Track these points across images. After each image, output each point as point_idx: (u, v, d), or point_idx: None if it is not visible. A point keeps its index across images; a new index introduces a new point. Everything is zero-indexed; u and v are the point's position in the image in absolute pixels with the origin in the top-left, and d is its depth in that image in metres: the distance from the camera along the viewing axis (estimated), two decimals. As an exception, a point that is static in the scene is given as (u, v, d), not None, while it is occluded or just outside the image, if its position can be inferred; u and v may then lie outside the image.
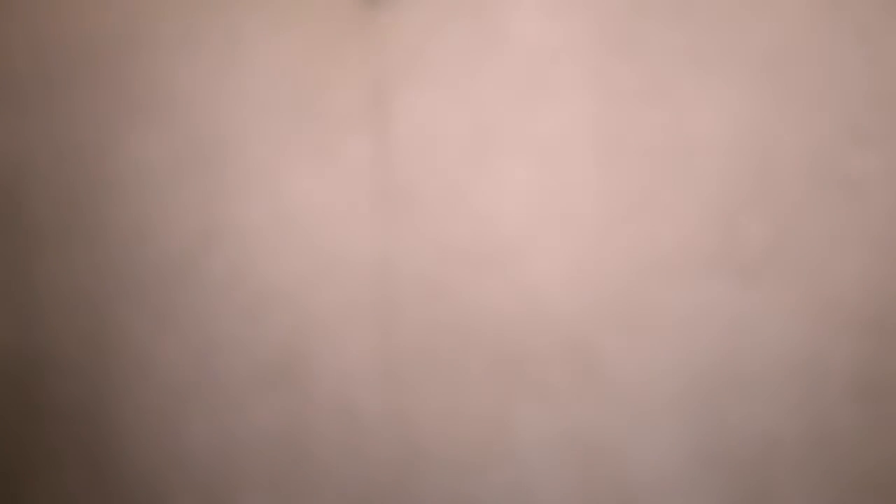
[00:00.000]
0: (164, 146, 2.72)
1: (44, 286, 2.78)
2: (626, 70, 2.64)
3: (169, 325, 2.74)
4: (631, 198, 2.65)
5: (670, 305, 2.65)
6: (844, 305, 2.68)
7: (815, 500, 2.72)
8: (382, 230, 2.68)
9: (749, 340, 2.70)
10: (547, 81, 2.78)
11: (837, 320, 2.68)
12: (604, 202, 2.64)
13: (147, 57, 2.71)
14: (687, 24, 2.67)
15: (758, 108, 2.67)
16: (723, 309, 2.69)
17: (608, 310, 2.66)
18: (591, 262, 2.66)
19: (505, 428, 2.72)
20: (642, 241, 2.65)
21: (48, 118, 2.75)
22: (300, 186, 2.69)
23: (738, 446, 2.72)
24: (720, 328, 2.70)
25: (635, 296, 2.62)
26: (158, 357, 2.75)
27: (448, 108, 2.66)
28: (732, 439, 2.71)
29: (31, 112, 2.76)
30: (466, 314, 2.67)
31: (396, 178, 2.67)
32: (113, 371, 2.77)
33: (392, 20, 2.65)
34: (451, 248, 2.68)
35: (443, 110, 2.66)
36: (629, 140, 2.65)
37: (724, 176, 2.68)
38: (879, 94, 2.62)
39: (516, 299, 2.65)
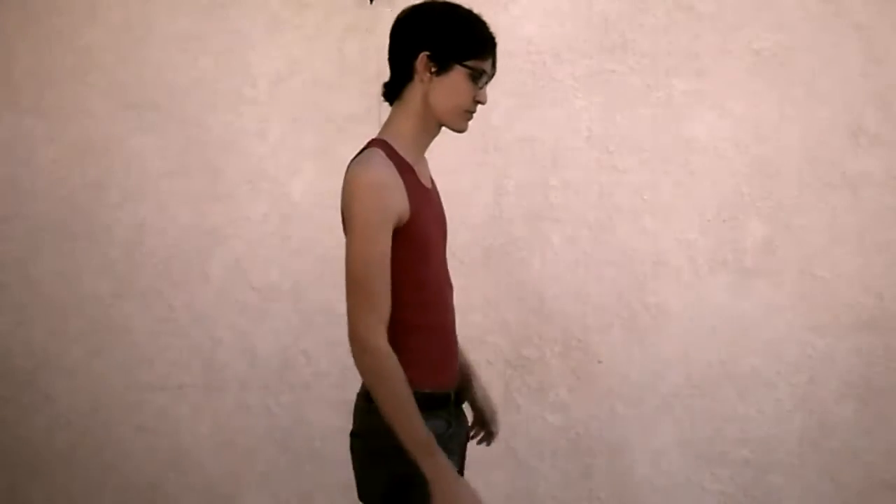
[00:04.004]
0: (164, 146, 2.72)
1: (44, 286, 2.78)
2: (626, 70, 2.64)
3: (169, 325, 2.74)
4: (631, 198, 2.65)
5: (670, 305, 2.65)
6: (844, 305, 2.68)
7: (813, 499, 2.72)
8: (382, 230, 2.68)
9: (749, 340, 2.70)
10: (547, 81, 2.77)
11: (837, 320, 2.68)
12: (604, 202, 2.64)
13: (147, 57, 2.71)
14: (687, 24, 2.67)
15: (758, 108, 2.67)
16: (723, 309, 2.69)
17: (608, 310, 2.66)
18: (591, 262, 2.66)
19: (504, 427, 2.72)
20: (642, 241, 2.65)
21: (48, 118, 2.75)
22: (300, 186, 2.68)
23: (738, 446, 2.72)
24: (720, 328, 2.70)
25: (635, 296, 2.61)
26: (158, 357, 2.75)
27: (448, 108, 2.65)
28: (732, 439, 2.71)
29: (32, 112, 2.76)
30: (466, 314, 2.67)
31: (396, 178, 2.67)
32: (113, 371, 2.76)
33: (392, 21, 2.64)
34: (450, 248, 2.68)
35: (443, 110, 2.65)
36: (629, 140, 2.65)
37: (724, 176, 2.68)
38: (879, 94, 2.63)
39: (516, 299, 2.65)
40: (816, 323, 2.62)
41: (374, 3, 2.61)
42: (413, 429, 1.72)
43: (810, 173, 2.60)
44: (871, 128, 2.58)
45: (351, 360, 2.75)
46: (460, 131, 1.87)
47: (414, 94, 1.85)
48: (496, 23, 2.61)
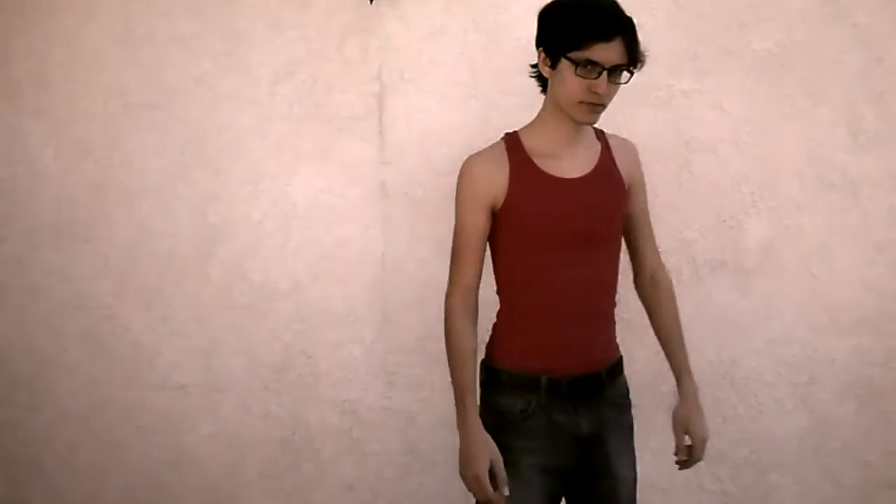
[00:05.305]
0: (164, 146, 2.71)
1: (44, 286, 2.77)
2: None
3: (169, 325, 2.74)
4: (631, 198, 2.64)
5: (670, 305, 2.65)
6: (844, 305, 2.69)
7: (813, 499, 2.72)
8: (382, 230, 2.68)
9: (749, 340, 2.70)
10: (547, 81, 2.77)
11: (837, 320, 2.68)
12: (604, 202, 2.64)
13: (147, 57, 2.70)
14: (687, 25, 2.67)
15: (758, 108, 2.67)
16: (723, 309, 2.69)
17: (608, 310, 2.66)
18: (591, 262, 2.66)
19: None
20: (642, 241, 2.65)
21: (48, 118, 2.74)
22: (300, 186, 2.68)
23: (738, 446, 2.72)
24: (720, 328, 2.70)
25: (636, 296, 2.61)
26: (158, 357, 2.75)
27: (448, 108, 2.65)
28: (732, 439, 2.72)
29: (31, 112, 2.75)
30: (466, 314, 2.67)
31: (396, 178, 2.67)
32: (113, 371, 2.76)
33: (392, 20, 2.64)
34: (450, 248, 2.68)
35: (443, 110, 2.65)
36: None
37: (724, 176, 2.68)
38: (879, 94, 2.63)
39: (516, 299, 2.65)
40: (816, 323, 2.62)
41: (374, 3, 2.61)
42: (457, 378, 1.97)
43: (810, 173, 2.60)
44: (871, 128, 2.58)
45: (351, 360, 2.76)
46: (587, 123, 1.97)
47: (550, 86, 1.99)
48: (496, 23, 2.63)
